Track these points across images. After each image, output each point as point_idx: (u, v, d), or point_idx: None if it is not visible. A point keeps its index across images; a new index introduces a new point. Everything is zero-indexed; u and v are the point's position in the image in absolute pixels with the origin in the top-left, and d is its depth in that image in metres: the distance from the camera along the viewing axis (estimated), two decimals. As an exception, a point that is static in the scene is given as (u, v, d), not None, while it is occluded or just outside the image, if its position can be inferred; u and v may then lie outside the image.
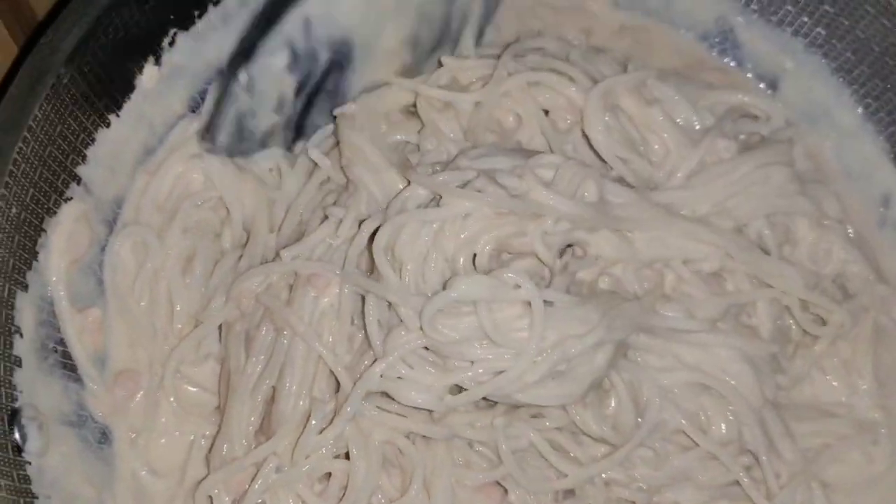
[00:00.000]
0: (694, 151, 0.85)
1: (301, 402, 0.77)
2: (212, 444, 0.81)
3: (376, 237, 0.76)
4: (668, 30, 1.07)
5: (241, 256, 0.86)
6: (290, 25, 0.86)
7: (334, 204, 0.85)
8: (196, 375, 0.85)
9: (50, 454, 0.73)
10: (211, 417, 0.84)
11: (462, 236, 0.75)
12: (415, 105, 0.90)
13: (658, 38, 1.07)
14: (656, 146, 0.86)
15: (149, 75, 0.86)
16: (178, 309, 0.86)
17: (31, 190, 0.76)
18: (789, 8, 1.04)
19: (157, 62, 0.87)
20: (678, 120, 0.88)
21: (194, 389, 0.85)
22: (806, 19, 1.03)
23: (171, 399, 0.83)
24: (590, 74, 0.88)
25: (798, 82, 1.06)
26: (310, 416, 0.76)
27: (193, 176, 0.89)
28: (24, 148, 0.74)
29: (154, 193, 0.88)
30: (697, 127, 0.88)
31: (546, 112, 0.88)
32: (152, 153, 0.89)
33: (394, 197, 0.78)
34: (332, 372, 0.78)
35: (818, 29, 1.03)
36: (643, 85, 0.88)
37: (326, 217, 0.83)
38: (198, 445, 0.83)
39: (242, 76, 0.86)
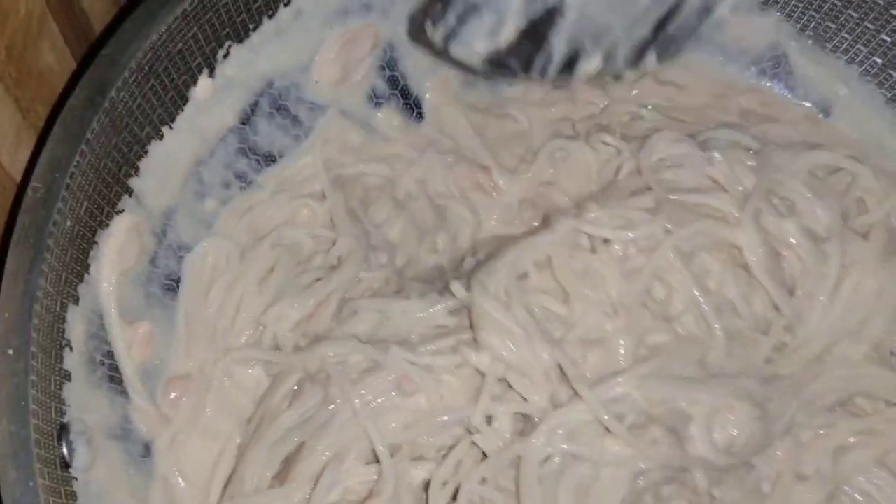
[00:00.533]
0: (828, 265, 0.84)
1: (323, 467, 0.77)
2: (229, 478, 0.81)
3: (531, 456, 0.73)
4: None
5: (318, 279, 0.87)
6: None
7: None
8: (242, 377, 0.86)
9: (96, 468, 0.73)
10: (244, 426, 0.84)
11: (618, 482, 0.74)
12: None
13: (681, 74, 1.07)
14: (790, 256, 0.84)
15: (203, 87, 0.87)
16: (243, 313, 0.87)
17: (86, 203, 0.76)
18: (845, 35, 1.03)
19: (212, 74, 0.87)
20: (809, 222, 0.86)
21: (236, 391, 0.85)
22: (862, 48, 1.02)
23: (214, 394, 0.84)
24: (732, 190, 0.85)
25: (851, 111, 1.05)
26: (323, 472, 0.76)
27: (303, 211, 0.93)
28: (81, 161, 0.74)
29: (253, 218, 0.91)
30: (823, 225, 0.86)
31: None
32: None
33: (558, 412, 0.74)
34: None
35: (874, 58, 1.02)
36: (772, 192, 0.86)
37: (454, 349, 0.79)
38: (225, 458, 0.83)
39: None
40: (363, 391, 0.78)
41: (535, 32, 0.82)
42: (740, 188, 0.86)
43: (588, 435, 0.74)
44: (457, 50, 0.82)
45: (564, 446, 0.74)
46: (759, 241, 0.83)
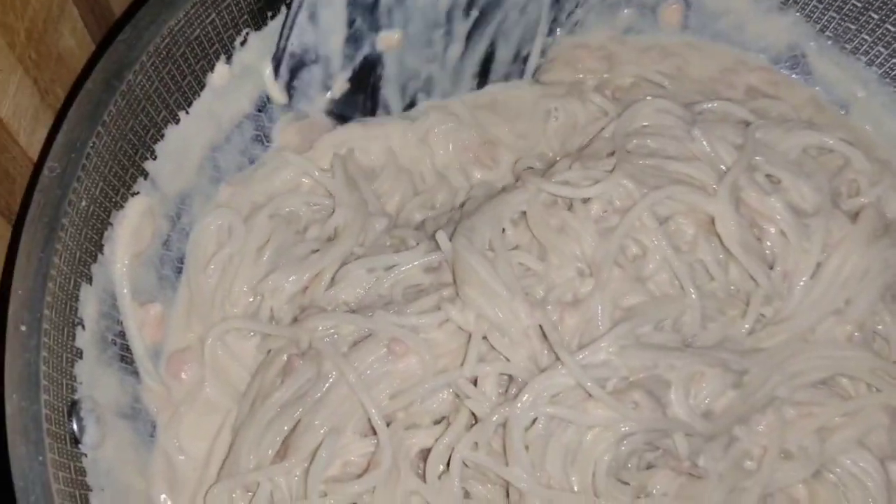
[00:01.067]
0: (811, 242, 0.84)
1: (321, 441, 0.77)
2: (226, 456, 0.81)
3: (516, 420, 0.75)
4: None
5: (315, 250, 0.87)
6: None
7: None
8: (238, 348, 0.86)
9: (105, 446, 0.74)
10: (240, 400, 0.84)
11: (603, 446, 0.75)
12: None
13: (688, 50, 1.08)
14: (773, 231, 0.85)
15: (220, 74, 0.87)
16: (239, 282, 0.87)
17: (101, 184, 0.76)
18: (865, 37, 1.02)
19: (229, 61, 0.88)
20: (795, 199, 0.87)
21: (232, 362, 0.85)
22: (882, 49, 1.02)
23: (211, 366, 0.84)
24: (713, 164, 0.86)
25: (869, 112, 1.05)
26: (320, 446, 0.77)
27: (304, 181, 0.94)
28: (97, 142, 0.75)
29: (255, 189, 0.92)
30: (809, 203, 0.87)
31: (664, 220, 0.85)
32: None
33: (542, 376, 0.76)
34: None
35: (894, 60, 1.01)
36: (755, 168, 0.87)
37: (438, 307, 0.81)
38: (224, 433, 0.83)
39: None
40: (356, 363, 0.79)
41: (365, 83, 0.94)
42: (721, 164, 0.87)
43: (572, 398, 0.76)
44: (299, 104, 0.92)
45: (548, 409, 0.75)
46: (733, 213, 0.83)
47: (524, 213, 0.86)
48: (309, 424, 0.78)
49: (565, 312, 0.80)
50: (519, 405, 0.75)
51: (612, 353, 0.76)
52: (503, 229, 0.85)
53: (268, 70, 0.91)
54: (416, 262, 0.85)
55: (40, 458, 0.66)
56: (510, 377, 0.79)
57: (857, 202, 0.90)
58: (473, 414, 0.79)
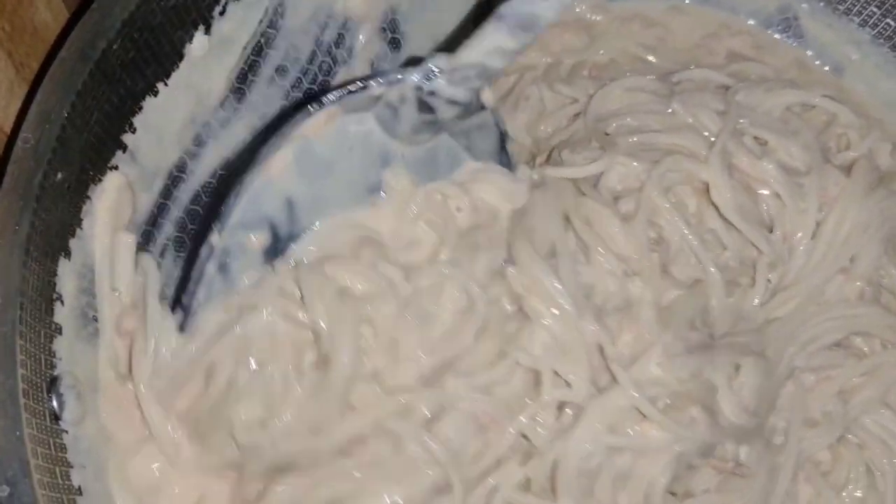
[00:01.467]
0: (806, 202, 0.83)
1: None
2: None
3: (573, 455, 0.72)
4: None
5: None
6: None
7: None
8: None
9: (86, 423, 0.73)
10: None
11: (658, 468, 0.73)
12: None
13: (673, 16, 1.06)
14: (768, 194, 0.84)
15: (199, 44, 0.85)
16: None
17: (78, 156, 0.75)
18: (858, -4, 1.01)
19: (208, 31, 0.86)
20: (785, 159, 0.85)
21: None
22: (875, 9, 1.01)
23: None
24: (698, 132, 0.85)
25: (863, 74, 1.04)
26: None
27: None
28: (73, 113, 0.73)
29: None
30: (800, 161, 0.86)
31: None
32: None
33: (596, 402, 0.73)
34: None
35: (888, 20, 1.00)
36: (741, 132, 0.85)
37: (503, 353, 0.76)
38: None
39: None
40: (443, 438, 0.74)
41: None
42: (706, 133, 0.86)
43: (628, 422, 0.73)
44: None
45: (607, 440, 0.73)
46: (727, 180, 0.82)
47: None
48: (376, 493, 0.73)
49: (623, 323, 0.77)
50: (575, 439, 0.73)
51: (660, 367, 0.74)
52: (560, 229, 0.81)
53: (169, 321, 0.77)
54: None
55: (17, 432, 0.64)
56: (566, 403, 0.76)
57: (849, 156, 0.89)
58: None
